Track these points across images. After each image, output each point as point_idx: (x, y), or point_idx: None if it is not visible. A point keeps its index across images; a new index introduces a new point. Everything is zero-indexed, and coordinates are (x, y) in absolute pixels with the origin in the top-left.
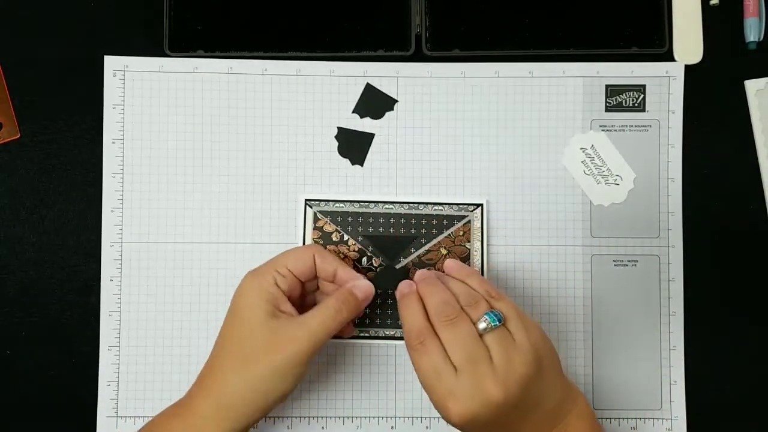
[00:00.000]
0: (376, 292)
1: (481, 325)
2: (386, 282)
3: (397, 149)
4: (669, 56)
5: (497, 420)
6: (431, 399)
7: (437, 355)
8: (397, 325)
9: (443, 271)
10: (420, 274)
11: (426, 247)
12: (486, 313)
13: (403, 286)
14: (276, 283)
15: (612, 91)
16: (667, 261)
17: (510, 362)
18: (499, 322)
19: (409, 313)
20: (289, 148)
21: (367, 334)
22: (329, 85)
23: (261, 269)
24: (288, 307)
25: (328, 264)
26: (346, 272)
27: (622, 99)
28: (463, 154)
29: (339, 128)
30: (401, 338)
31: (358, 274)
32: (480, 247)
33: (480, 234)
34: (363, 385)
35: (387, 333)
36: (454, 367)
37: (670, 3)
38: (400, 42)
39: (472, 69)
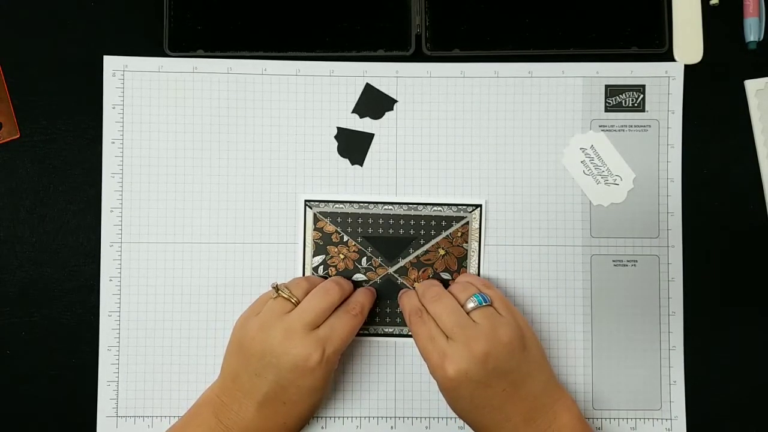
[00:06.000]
0: (377, 300)
1: (470, 305)
2: (387, 293)
3: (396, 149)
4: (669, 56)
5: (487, 382)
6: (428, 363)
7: (432, 324)
8: (395, 323)
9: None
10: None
11: (424, 248)
12: (474, 295)
13: (402, 290)
14: None
15: (612, 91)
16: (667, 261)
17: (495, 330)
18: (486, 302)
19: (407, 299)
20: (288, 148)
21: (366, 332)
22: (329, 85)
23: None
24: None
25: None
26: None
27: (622, 99)
28: (462, 154)
29: (339, 128)
30: (400, 335)
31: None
32: (477, 248)
33: (478, 235)
34: (363, 385)
35: (386, 330)
36: (446, 335)
37: (670, 3)
38: (400, 42)
39: (471, 69)
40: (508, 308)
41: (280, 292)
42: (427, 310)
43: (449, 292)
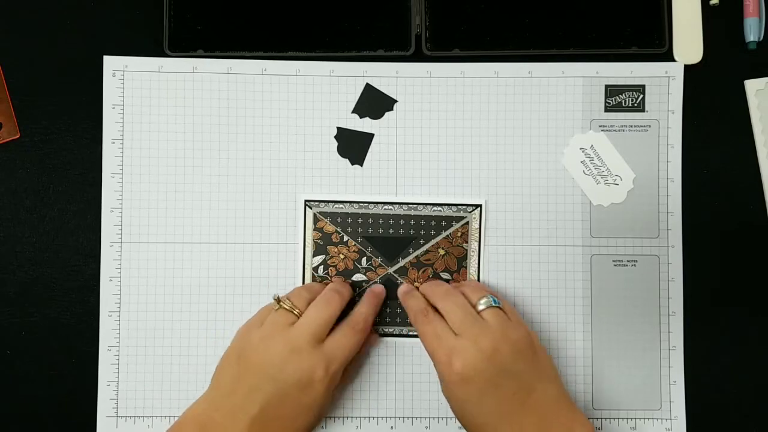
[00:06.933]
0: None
1: (482, 304)
2: (387, 293)
3: (396, 149)
4: (669, 56)
5: (496, 381)
6: (435, 360)
7: (438, 322)
8: (395, 323)
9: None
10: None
11: (424, 248)
12: (488, 295)
13: (404, 287)
14: None
15: (611, 91)
16: (667, 261)
17: (503, 329)
18: (498, 305)
19: (412, 300)
20: (288, 148)
21: None
22: (329, 85)
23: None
24: None
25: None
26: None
27: (622, 99)
28: (462, 154)
29: (339, 128)
30: (400, 335)
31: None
32: (477, 248)
33: (478, 235)
34: (363, 385)
35: (387, 330)
36: (454, 332)
37: (670, 3)
38: (399, 42)
39: (471, 69)
40: (517, 315)
41: (281, 303)
42: (434, 309)
43: (463, 288)
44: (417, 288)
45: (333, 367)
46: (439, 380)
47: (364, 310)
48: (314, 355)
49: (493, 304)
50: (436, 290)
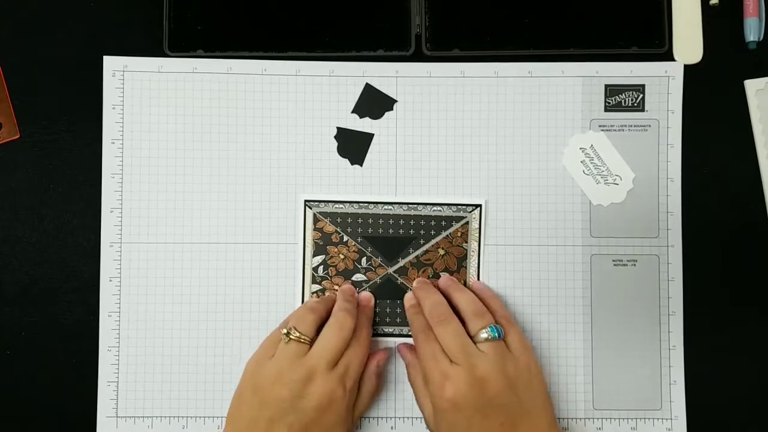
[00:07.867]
0: (377, 299)
1: (483, 335)
2: (387, 293)
3: (396, 149)
4: (669, 56)
5: (484, 411)
6: (428, 382)
7: (437, 344)
8: (395, 323)
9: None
10: (417, 281)
11: (424, 248)
12: (489, 326)
13: (411, 299)
14: None
15: (611, 90)
16: (667, 261)
17: (498, 360)
18: (499, 336)
19: (416, 318)
20: (288, 148)
21: None
22: (329, 85)
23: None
24: None
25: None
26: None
27: (622, 99)
28: (462, 154)
29: (338, 128)
30: (400, 335)
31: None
32: (477, 248)
33: (477, 235)
34: None
35: (386, 330)
36: (450, 359)
37: (670, 3)
38: (399, 42)
39: (471, 69)
40: (521, 344)
41: (290, 334)
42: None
43: (465, 307)
44: (418, 291)
45: (349, 383)
46: (424, 407)
47: (364, 322)
48: (331, 377)
49: (492, 337)
50: (433, 312)
